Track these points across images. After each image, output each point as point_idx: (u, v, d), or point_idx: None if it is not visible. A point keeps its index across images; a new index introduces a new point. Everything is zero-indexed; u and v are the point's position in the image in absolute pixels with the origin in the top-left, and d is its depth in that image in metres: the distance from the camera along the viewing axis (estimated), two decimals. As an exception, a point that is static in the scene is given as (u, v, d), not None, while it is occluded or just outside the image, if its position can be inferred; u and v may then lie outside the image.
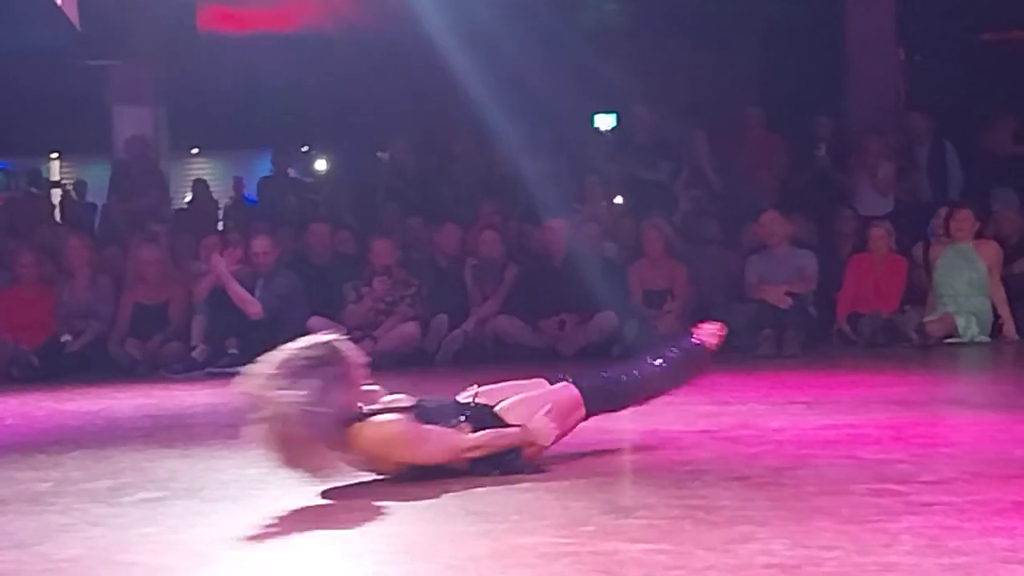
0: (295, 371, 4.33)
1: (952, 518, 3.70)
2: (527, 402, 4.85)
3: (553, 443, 4.87)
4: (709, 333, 5.30)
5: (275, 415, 4.27)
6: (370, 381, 4.63)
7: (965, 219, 10.40)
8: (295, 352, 4.40)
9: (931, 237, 11.10)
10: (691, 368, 5.34)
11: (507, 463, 4.70)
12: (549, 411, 4.82)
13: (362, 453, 4.53)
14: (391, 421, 4.52)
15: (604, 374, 5.21)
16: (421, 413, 4.63)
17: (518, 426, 4.72)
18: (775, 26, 16.17)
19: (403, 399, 4.68)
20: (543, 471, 4.72)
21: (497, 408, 4.81)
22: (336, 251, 11.29)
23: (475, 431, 4.68)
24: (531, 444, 4.74)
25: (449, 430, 4.63)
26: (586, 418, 5.02)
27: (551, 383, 5.03)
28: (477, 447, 4.64)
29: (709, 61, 15.98)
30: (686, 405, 6.55)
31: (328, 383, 4.36)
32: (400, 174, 12.86)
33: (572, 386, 5.00)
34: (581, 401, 4.96)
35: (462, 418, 4.71)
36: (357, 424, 4.48)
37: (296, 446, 4.31)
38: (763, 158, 12.43)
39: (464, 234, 11.31)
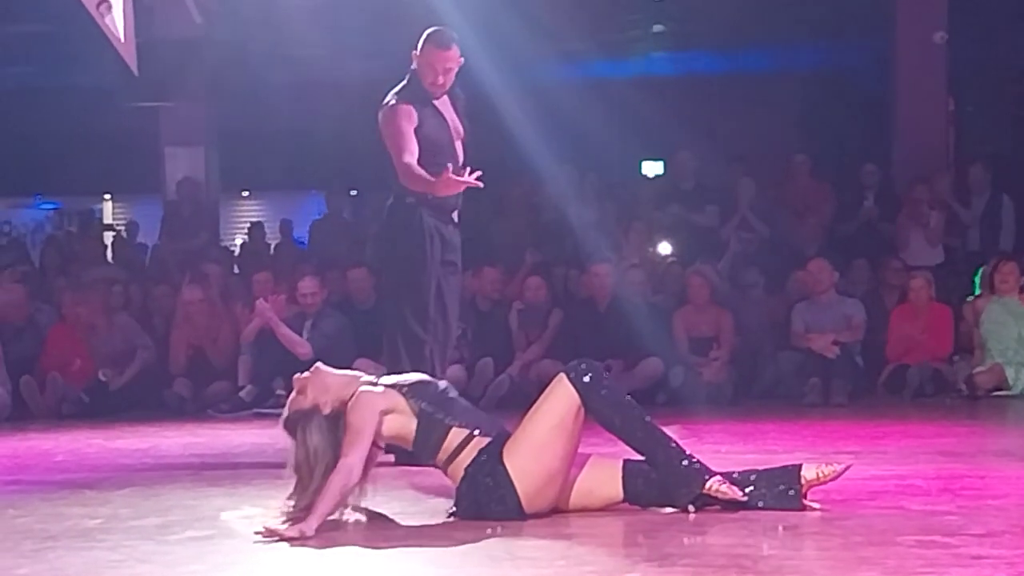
0: None
1: (1001, 572, 3.68)
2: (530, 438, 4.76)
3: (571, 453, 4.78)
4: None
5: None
6: None
7: (1010, 272, 10.29)
8: None
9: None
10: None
11: (498, 509, 4.67)
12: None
13: None
14: None
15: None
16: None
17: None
18: (822, 73, 16.20)
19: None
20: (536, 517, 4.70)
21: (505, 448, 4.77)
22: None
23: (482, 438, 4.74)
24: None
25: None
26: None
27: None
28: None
29: (756, 108, 16.01)
30: (732, 453, 6.54)
31: None
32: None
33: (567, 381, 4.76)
34: (579, 401, 4.73)
35: (442, 415, 4.77)
36: None
37: None
38: (809, 206, 12.41)
39: (506, 278, 11.35)
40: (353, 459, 4.68)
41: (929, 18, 13.33)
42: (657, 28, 15.54)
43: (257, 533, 4.57)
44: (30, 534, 4.72)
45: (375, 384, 4.91)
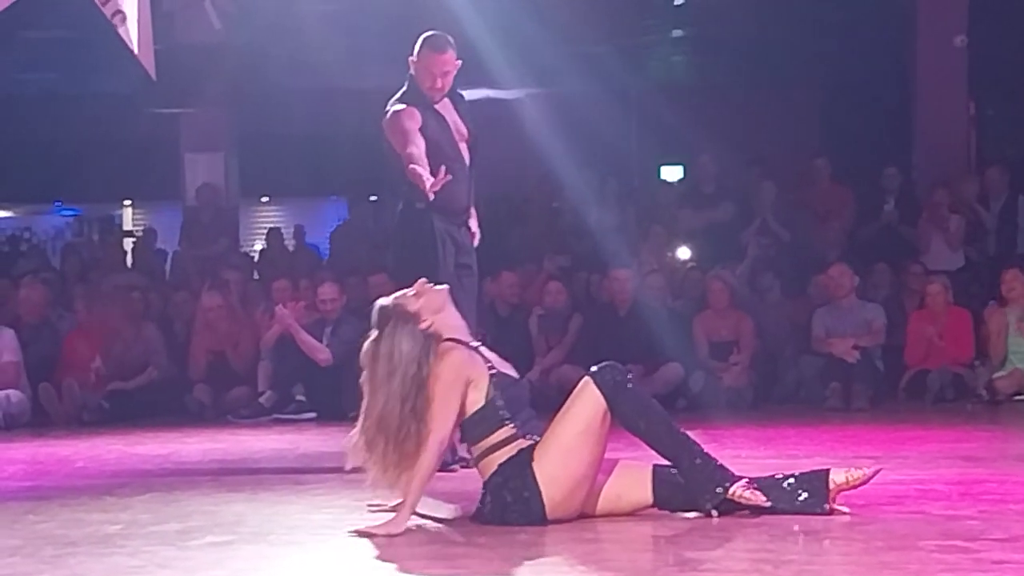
0: None
1: (1023, 576, 3.67)
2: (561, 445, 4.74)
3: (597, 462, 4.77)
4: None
5: None
6: None
7: (1013, 278, 10.21)
8: None
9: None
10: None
11: (522, 514, 4.68)
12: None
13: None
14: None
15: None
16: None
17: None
18: (843, 77, 16.15)
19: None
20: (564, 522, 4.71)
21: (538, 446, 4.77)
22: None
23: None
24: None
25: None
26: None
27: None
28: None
29: (776, 112, 15.98)
30: (752, 458, 6.53)
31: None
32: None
33: (592, 384, 4.75)
34: (605, 405, 4.71)
35: (507, 414, 4.76)
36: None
37: None
38: (830, 209, 12.37)
39: (525, 283, 11.34)
40: (444, 433, 4.71)
41: (949, 21, 13.30)
42: (676, 32, 15.53)
43: (350, 533, 4.62)
44: (51, 540, 4.73)
45: (477, 349, 4.91)
